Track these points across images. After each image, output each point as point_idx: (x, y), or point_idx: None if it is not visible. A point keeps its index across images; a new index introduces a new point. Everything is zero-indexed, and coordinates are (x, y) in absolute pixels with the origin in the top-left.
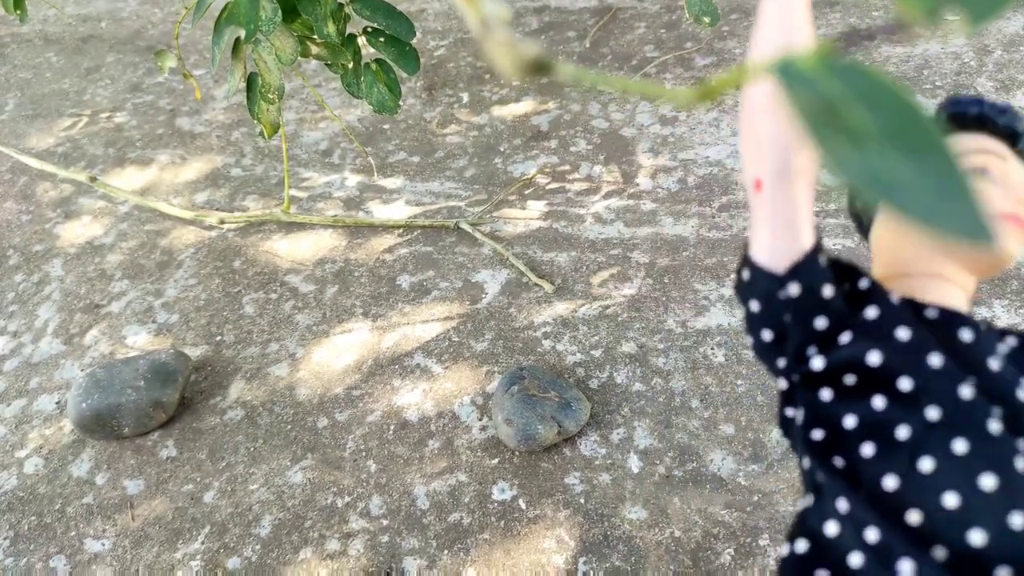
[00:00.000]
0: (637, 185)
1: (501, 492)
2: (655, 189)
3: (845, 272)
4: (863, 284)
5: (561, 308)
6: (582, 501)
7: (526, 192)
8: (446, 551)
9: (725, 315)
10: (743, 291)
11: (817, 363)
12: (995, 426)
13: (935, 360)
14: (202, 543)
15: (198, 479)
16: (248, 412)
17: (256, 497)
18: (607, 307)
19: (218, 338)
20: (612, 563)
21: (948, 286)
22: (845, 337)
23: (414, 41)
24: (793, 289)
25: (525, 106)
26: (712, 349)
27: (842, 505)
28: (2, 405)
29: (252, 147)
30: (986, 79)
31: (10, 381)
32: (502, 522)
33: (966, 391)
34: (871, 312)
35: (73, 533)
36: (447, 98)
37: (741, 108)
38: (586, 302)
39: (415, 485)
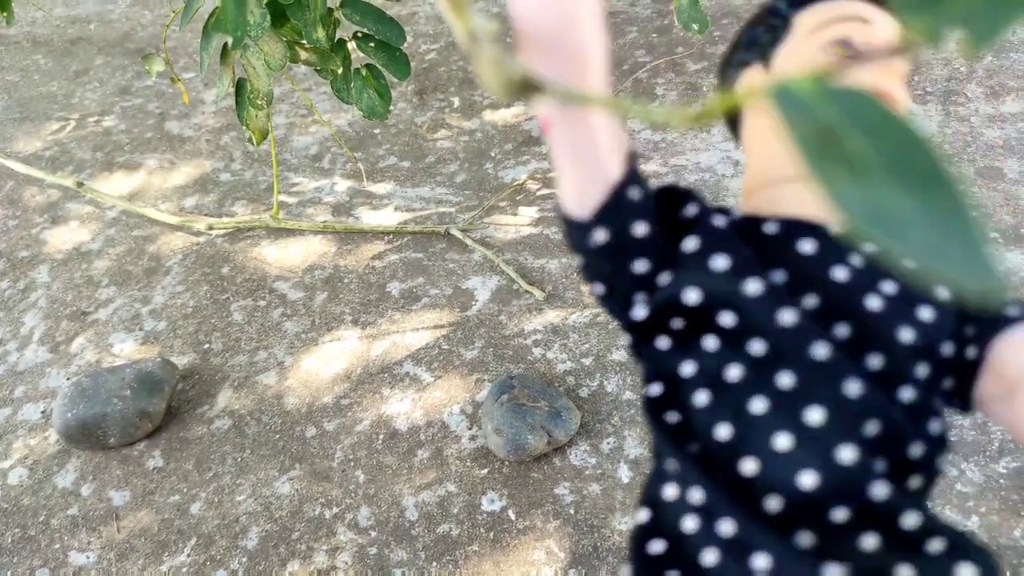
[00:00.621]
0: None
1: (491, 503)
2: None
3: (677, 199)
4: (689, 211)
5: (552, 316)
6: (572, 512)
7: (517, 198)
8: (435, 563)
9: None
10: (568, 245)
11: (640, 311)
12: (822, 351)
13: (753, 286)
14: (188, 555)
15: (185, 490)
16: (236, 422)
17: (243, 508)
18: (598, 314)
19: (206, 346)
20: (602, 575)
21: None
22: (665, 277)
23: (405, 45)
24: (600, 235)
25: (516, 111)
26: None
27: (672, 465)
28: None
29: (241, 152)
30: (976, 85)
31: None
32: (491, 533)
33: (787, 317)
34: (690, 243)
35: (57, 545)
36: (438, 102)
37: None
38: (577, 309)
39: (404, 496)
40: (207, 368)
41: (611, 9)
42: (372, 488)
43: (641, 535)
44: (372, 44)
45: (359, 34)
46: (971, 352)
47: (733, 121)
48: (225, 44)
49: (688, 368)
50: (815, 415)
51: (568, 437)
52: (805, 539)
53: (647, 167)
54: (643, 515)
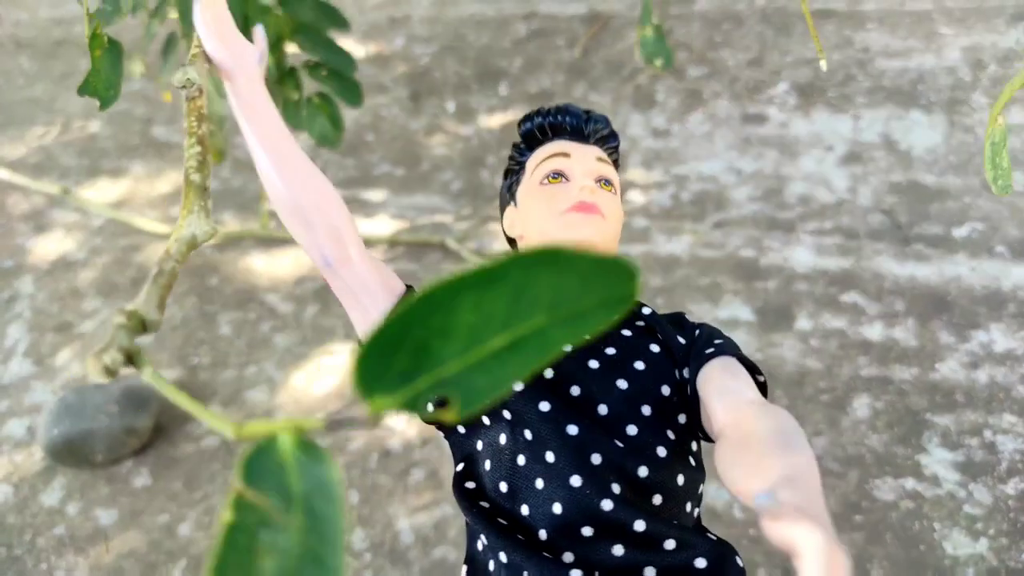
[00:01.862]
0: (629, 201)
1: None
2: (648, 205)
3: None
4: None
5: None
6: None
7: None
8: None
9: None
10: None
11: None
12: (546, 406)
13: None
14: None
15: (174, 510)
16: (224, 439)
17: None
18: None
19: (194, 361)
20: None
21: None
22: None
23: (399, 47)
24: None
25: (513, 116)
26: None
27: (474, 525)
28: None
29: (230, 159)
30: (981, 94)
31: None
32: None
33: (518, 385)
34: None
35: (44, 566)
36: (433, 107)
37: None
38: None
39: (399, 517)
40: (195, 383)
41: (610, 13)
42: (366, 509)
43: None
44: (324, 73)
45: (310, 63)
46: (689, 390)
47: (512, 243)
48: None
49: (478, 444)
50: (550, 456)
51: None
52: (568, 556)
53: (650, 176)
54: (463, 571)
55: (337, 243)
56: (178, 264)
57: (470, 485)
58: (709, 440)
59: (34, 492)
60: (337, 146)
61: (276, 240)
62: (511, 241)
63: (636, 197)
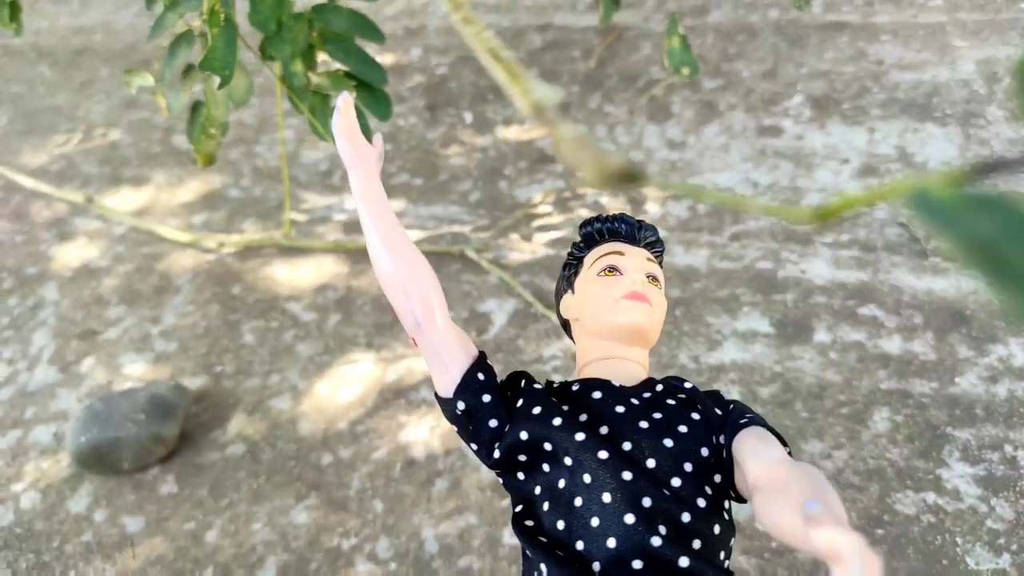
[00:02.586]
0: (646, 212)
1: (512, 536)
2: (665, 216)
3: (516, 377)
4: (521, 383)
5: (570, 341)
6: None
7: (532, 218)
8: None
9: (739, 351)
10: (448, 419)
11: (496, 454)
12: (604, 453)
13: (557, 420)
14: None
15: (200, 517)
16: (250, 447)
17: (260, 537)
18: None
19: (217, 368)
20: None
21: (615, 362)
22: (508, 428)
23: (416, 58)
24: (461, 404)
25: (530, 128)
26: (726, 386)
27: (533, 558)
28: None
29: (250, 167)
30: (996, 107)
31: (5, 410)
32: (514, 568)
33: (580, 436)
34: (520, 402)
35: (72, 572)
36: (449, 118)
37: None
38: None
39: (423, 527)
40: (219, 391)
41: (624, 24)
42: (391, 518)
43: None
44: (354, 83)
45: (341, 72)
46: (725, 454)
47: (566, 325)
48: (190, 66)
49: (536, 488)
50: (607, 497)
51: None
52: None
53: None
54: None
55: (428, 310)
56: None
57: (529, 523)
58: (740, 500)
59: (61, 499)
60: None
61: (298, 249)
62: (565, 324)
63: (653, 208)
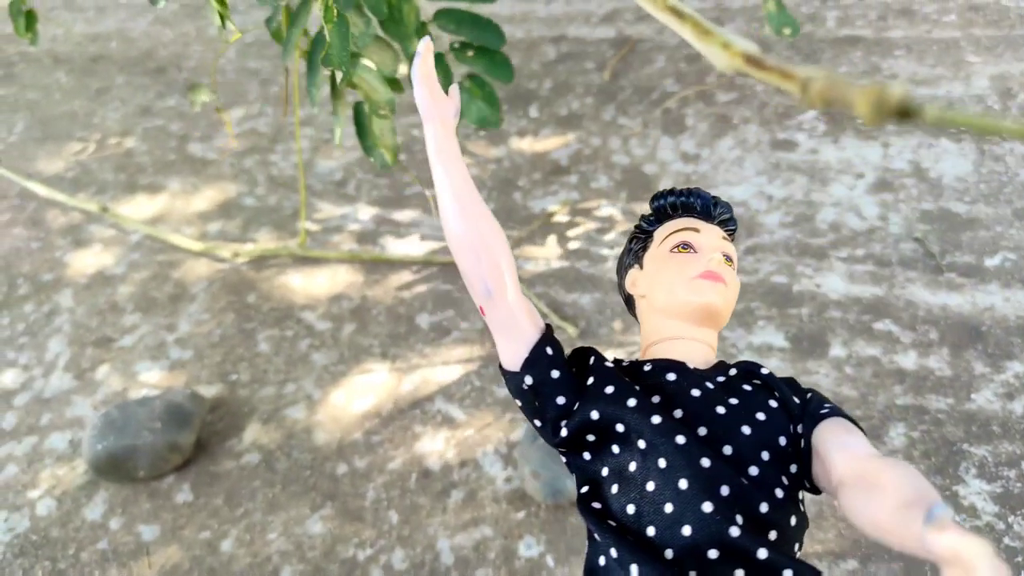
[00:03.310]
0: None
1: (528, 548)
2: None
3: (585, 353)
4: (591, 361)
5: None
6: None
7: (546, 229)
8: None
9: None
10: (509, 391)
11: (564, 432)
12: (681, 439)
13: (632, 401)
14: None
15: (215, 526)
16: (265, 456)
17: (275, 547)
18: (633, 353)
19: (233, 377)
20: None
21: (685, 343)
22: (577, 406)
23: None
24: (528, 379)
25: (544, 139)
26: None
27: (600, 540)
28: (13, 442)
29: (265, 176)
30: (1011, 124)
31: (21, 416)
32: None
33: (656, 419)
34: (590, 380)
35: None
36: (463, 128)
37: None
38: (611, 347)
39: (439, 538)
40: (235, 400)
41: (639, 36)
42: (406, 529)
43: None
44: (471, 52)
45: (456, 44)
46: (803, 444)
47: (629, 301)
48: (332, 78)
49: (604, 470)
50: (683, 483)
51: None
52: (692, 575)
53: None
54: None
55: (499, 277)
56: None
57: (596, 505)
58: (815, 492)
59: (77, 506)
60: (498, 126)
61: (313, 259)
62: (628, 299)
63: None
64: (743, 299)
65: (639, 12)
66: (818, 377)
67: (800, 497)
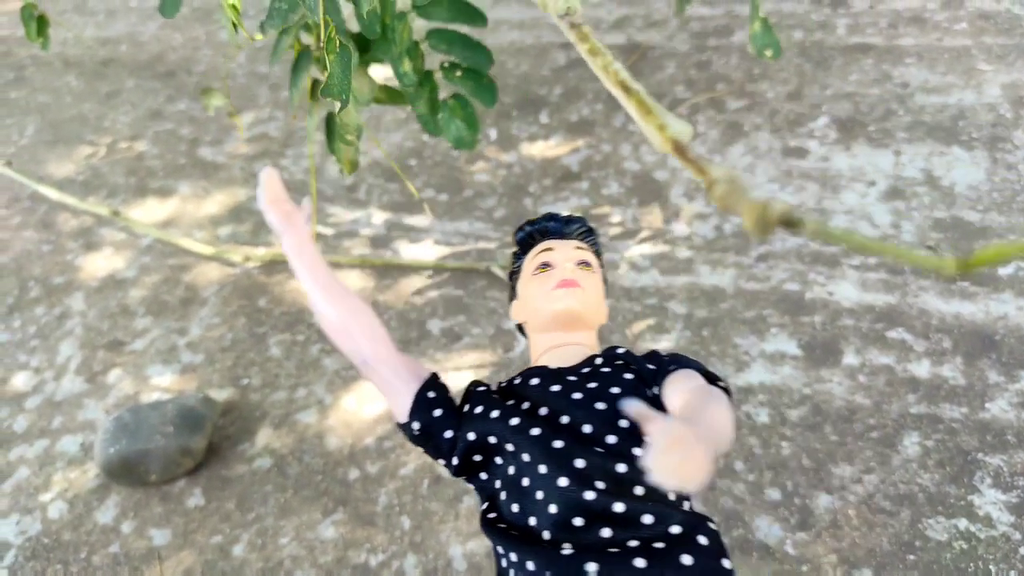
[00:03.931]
0: (672, 231)
1: None
2: (691, 236)
3: (469, 387)
4: (470, 389)
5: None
6: None
7: None
8: None
9: (767, 372)
10: (412, 443)
11: (454, 460)
12: (536, 431)
13: (495, 413)
14: None
15: (227, 530)
16: (277, 461)
17: (287, 552)
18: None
19: (244, 381)
20: None
21: (561, 350)
22: (460, 432)
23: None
24: (415, 425)
25: (555, 145)
26: (755, 408)
27: (500, 549)
28: (25, 445)
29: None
30: (1023, 132)
31: (33, 419)
32: None
33: (514, 421)
34: (466, 408)
35: None
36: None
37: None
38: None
39: (451, 544)
40: (246, 404)
41: (649, 43)
42: (418, 535)
43: None
44: (459, 73)
45: (445, 64)
46: (660, 403)
47: (521, 329)
48: (315, 81)
49: (497, 483)
50: (543, 468)
51: None
52: (567, 547)
53: (692, 207)
54: None
55: (372, 345)
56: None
57: (492, 515)
58: None
59: (89, 509)
60: (473, 148)
61: None
62: (520, 327)
63: (679, 228)
64: (755, 307)
65: (649, 19)
66: (831, 385)
67: None
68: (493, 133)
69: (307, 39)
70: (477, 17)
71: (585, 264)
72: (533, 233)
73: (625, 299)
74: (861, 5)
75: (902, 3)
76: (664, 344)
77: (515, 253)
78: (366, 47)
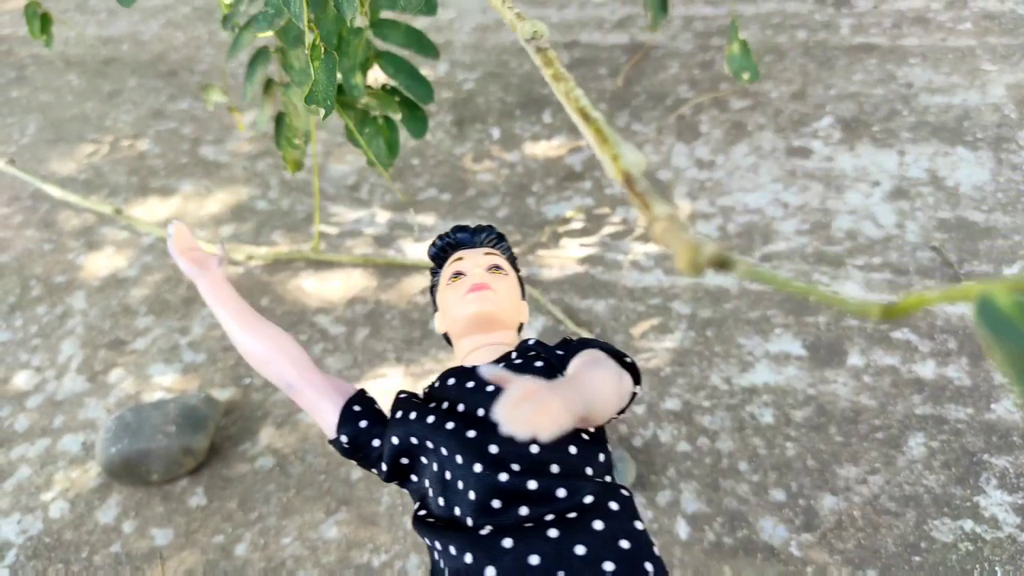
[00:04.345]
0: None
1: None
2: None
3: (395, 397)
4: (398, 397)
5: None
6: None
7: (561, 235)
8: None
9: (772, 373)
10: (345, 457)
11: (383, 467)
12: (450, 424)
13: (413, 414)
14: None
15: (229, 530)
16: (279, 460)
17: (289, 551)
18: (649, 360)
19: (246, 381)
20: None
21: (480, 351)
22: (385, 439)
23: (443, 74)
24: (343, 438)
25: (558, 144)
26: (759, 408)
27: (431, 544)
28: (26, 444)
29: (278, 179)
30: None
31: (34, 419)
32: None
33: (430, 419)
34: (390, 414)
35: None
36: (477, 133)
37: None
38: (627, 354)
39: None
40: (248, 404)
41: (651, 43)
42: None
43: None
44: (398, 99)
45: (387, 87)
46: None
47: (447, 340)
48: (269, 80)
49: (426, 482)
50: (459, 459)
51: None
52: (486, 528)
53: (695, 207)
54: None
55: (296, 369)
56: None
57: (422, 513)
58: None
59: (90, 509)
60: (386, 169)
61: (326, 263)
62: (446, 338)
63: None
64: (759, 307)
65: None
66: (836, 386)
67: (586, 434)
68: (496, 133)
69: (266, 37)
70: (430, 49)
71: (496, 268)
72: (444, 247)
73: (628, 299)
74: (865, 5)
75: (906, 3)
76: (668, 344)
77: (432, 269)
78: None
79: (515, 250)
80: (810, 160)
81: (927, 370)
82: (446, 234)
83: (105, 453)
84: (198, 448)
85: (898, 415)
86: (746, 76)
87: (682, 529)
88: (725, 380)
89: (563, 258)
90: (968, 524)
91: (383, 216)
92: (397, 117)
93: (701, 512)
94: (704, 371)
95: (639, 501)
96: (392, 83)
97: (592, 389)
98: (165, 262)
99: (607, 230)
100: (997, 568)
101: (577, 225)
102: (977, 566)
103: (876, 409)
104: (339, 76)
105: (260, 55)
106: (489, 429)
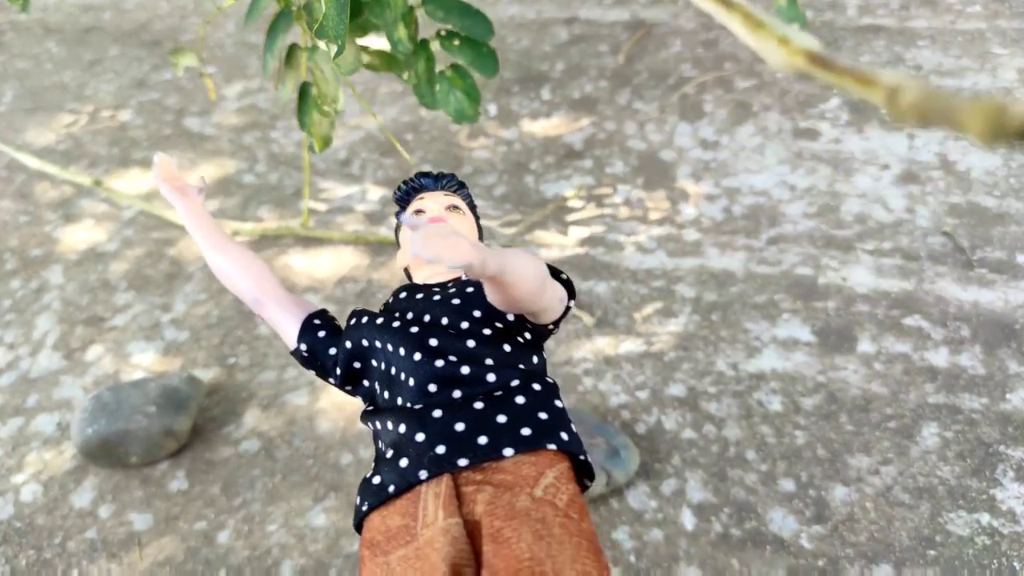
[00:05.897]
0: (679, 213)
1: None
2: (699, 218)
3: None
4: (351, 312)
5: (602, 343)
6: (632, 559)
7: (561, 214)
8: None
9: (780, 359)
10: (302, 366)
11: (338, 372)
12: (396, 324)
13: (365, 319)
14: None
15: (211, 516)
16: (265, 444)
17: (275, 539)
18: (652, 344)
19: (231, 360)
20: None
21: (436, 270)
22: (340, 346)
23: (439, 47)
24: (303, 347)
25: (557, 122)
26: (767, 395)
27: (374, 431)
28: None
29: (265, 152)
30: None
31: (6, 397)
32: None
33: (379, 320)
34: (344, 323)
35: (75, 571)
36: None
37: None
38: (629, 338)
39: None
40: (233, 384)
41: (653, 20)
42: None
43: (367, 481)
44: (457, 42)
45: (443, 32)
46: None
47: (408, 275)
48: (292, 46)
49: (376, 384)
50: (402, 351)
51: (627, 478)
52: (420, 405)
53: (699, 188)
54: (371, 471)
55: (262, 285)
56: None
57: (370, 408)
58: (545, 327)
59: (64, 492)
60: (475, 121)
61: (316, 240)
62: (407, 273)
63: (687, 209)
64: (766, 291)
65: None
66: (846, 373)
67: (526, 336)
68: (493, 109)
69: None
70: None
71: (454, 207)
72: (408, 191)
73: (631, 281)
74: None
75: None
76: (672, 328)
77: (397, 213)
78: (358, 11)
79: (512, 230)
80: (817, 142)
81: (940, 358)
82: (410, 179)
83: (81, 434)
84: (180, 430)
85: (911, 404)
86: (797, 27)
87: (688, 520)
88: (731, 366)
89: (563, 239)
90: (985, 517)
91: (375, 192)
92: (464, 63)
93: (708, 502)
94: (710, 356)
95: (643, 489)
96: (445, 28)
97: (513, 261)
98: (147, 236)
99: (608, 210)
100: (1016, 563)
101: (577, 204)
102: (995, 561)
103: (888, 397)
104: (385, 34)
105: (281, 18)
106: (432, 327)
